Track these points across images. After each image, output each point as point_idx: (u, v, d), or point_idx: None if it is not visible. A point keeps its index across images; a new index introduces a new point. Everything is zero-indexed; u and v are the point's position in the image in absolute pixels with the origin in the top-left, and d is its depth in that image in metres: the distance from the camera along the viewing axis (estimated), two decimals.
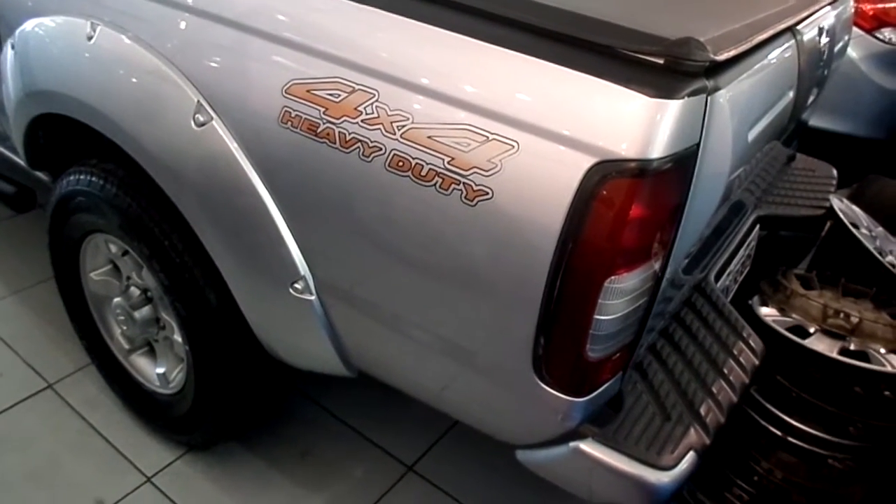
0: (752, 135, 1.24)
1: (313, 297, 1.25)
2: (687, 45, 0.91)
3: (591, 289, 0.95)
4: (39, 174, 1.86)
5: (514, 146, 0.94)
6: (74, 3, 1.45)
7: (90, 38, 1.38)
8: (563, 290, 0.96)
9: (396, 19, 1.06)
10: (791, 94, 1.45)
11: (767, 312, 1.66)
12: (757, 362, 1.32)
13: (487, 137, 0.96)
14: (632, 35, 0.95)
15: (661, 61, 0.91)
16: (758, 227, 1.77)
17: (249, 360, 1.53)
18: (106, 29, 1.36)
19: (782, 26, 1.29)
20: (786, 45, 1.36)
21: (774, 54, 1.29)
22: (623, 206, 0.91)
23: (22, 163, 1.87)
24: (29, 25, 1.54)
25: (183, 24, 1.26)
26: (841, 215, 1.98)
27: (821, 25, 1.57)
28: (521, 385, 1.06)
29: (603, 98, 0.91)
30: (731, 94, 1.05)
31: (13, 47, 1.60)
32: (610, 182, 0.89)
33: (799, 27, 1.43)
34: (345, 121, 1.06)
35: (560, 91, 0.94)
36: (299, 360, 1.44)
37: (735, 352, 1.32)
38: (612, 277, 0.95)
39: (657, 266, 1.01)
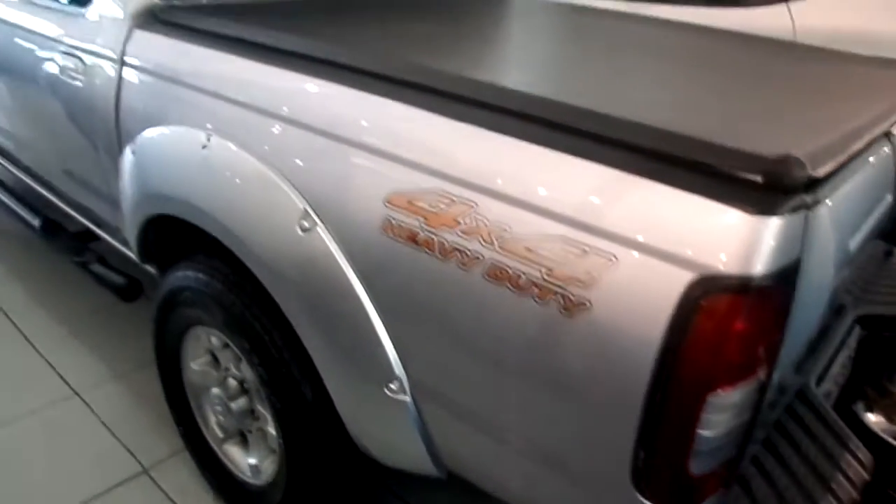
0: (853, 243, 1.22)
1: (408, 398, 1.28)
2: (786, 162, 0.92)
3: (694, 404, 0.94)
4: (148, 267, 1.98)
5: (612, 260, 0.96)
6: (191, 115, 1.58)
7: (204, 146, 1.50)
8: (663, 404, 0.95)
9: (495, 136, 1.11)
10: (890, 197, 1.43)
11: (875, 420, 1.58)
12: (867, 477, 1.25)
13: (585, 251, 0.98)
14: (730, 153, 0.96)
15: (760, 179, 0.92)
16: (858, 327, 1.70)
17: (341, 455, 1.56)
18: (219, 139, 1.47)
19: (879, 132, 1.28)
20: (883, 149, 1.35)
21: (872, 161, 1.28)
22: (725, 321, 0.90)
23: (132, 255, 2.01)
24: (148, 133, 1.69)
25: (291, 136, 1.35)
26: None
27: None
28: (620, 498, 1.04)
29: (702, 214, 0.92)
30: (831, 207, 1.05)
31: (133, 152, 1.74)
32: (711, 297, 0.90)
33: (895, 130, 1.41)
34: (444, 231, 1.11)
35: (659, 207, 0.96)
36: (390, 457, 1.46)
37: (842, 465, 1.26)
38: (715, 392, 0.94)
39: (761, 379, 0.99)
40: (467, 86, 1.21)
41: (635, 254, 0.95)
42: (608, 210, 0.98)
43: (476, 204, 1.08)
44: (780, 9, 2.60)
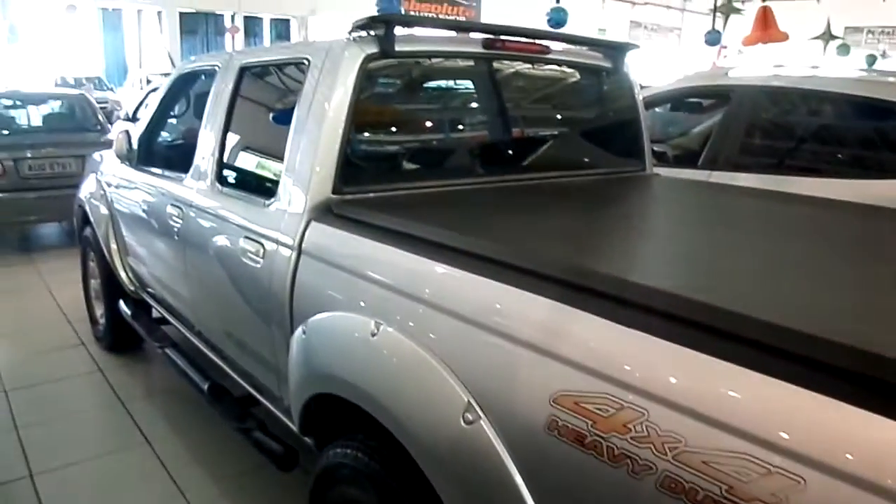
0: None
1: None
2: None
3: None
4: (307, 439, 2.08)
5: (800, 482, 0.92)
6: (362, 303, 1.71)
7: (374, 334, 1.60)
8: None
9: (663, 343, 1.13)
10: None
11: None
12: None
13: (769, 470, 0.95)
14: None
15: None
16: None
17: None
18: (388, 328, 1.58)
19: None
20: None
21: None
22: None
23: (292, 425, 2.11)
24: (321, 316, 1.83)
25: (457, 330, 1.42)
26: None
27: None
28: None
29: (889, 436, 0.88)
30: None
31: (305, 332, 1.89)
32: None
33: None
34: (613, 436, 1.11)
35: (846, 427, 0.93)
36: None
37: None
38: None
39: None
40: (635, 291, 1.25)
41: (825, 477, 0.91)
42: (795, 428, 0.96)
43: (647, 411, 1.08)
44: None
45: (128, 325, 3.68)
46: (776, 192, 2.48)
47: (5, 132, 6.78)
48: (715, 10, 17.23)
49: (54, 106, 7.59)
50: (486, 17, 23.28)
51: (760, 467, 0.95)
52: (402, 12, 17.32)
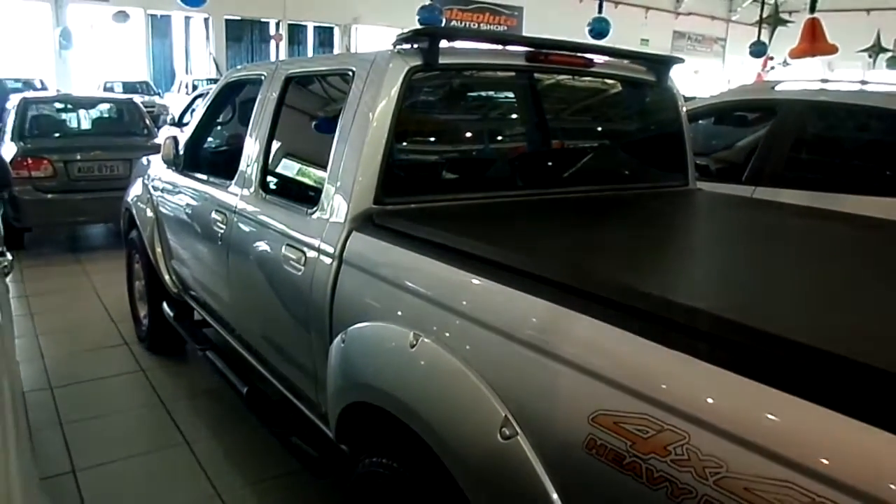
0: None
1: None
2: None
3: None
4: (343, 446, 2.09)
5: None
6: (401, 314, 1.72)
7: (412, 345, 1.61)
8: None
9: (708, 367, 1.11)
10: None
11: None
12: None
13: (813, 499, 0.93)
14: None
15: None
16: None
17: None
18: (427, 340, 1.58)
19: None
20: None
21: None
22: None
23: (327, 431, 2.13)
24: (360, 325, 1.84)
25: (496, 344, 1.43)
26: None
27: None
28: None
29: None
30: None
31: (344, 341, 1.90)
32: None
33: None
34: (652, 458, 1.10)
35: (893, 460, 0.91)
36: None
37: None
38: None
39: None
40: (679, 311, 1.24)
41: None
42: (838, 457, 0.94)
43: (689, 435, 1.07)
44: None
45: (170, 327, 3.75)
46: (825, 211, 2.43)
47: (56, 135, 7.00)
48: (761, 21, 16.99)
49: (103, 110, 7.81)
50: (528, 27, 23.29)
51: (804, 496, 0.94)
52: (444, 22, 17.43)
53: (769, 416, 1.03)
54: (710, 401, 1.09)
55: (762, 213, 2.51)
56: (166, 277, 3.73)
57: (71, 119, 7.53)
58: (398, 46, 2.19)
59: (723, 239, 2.14)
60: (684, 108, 2.88)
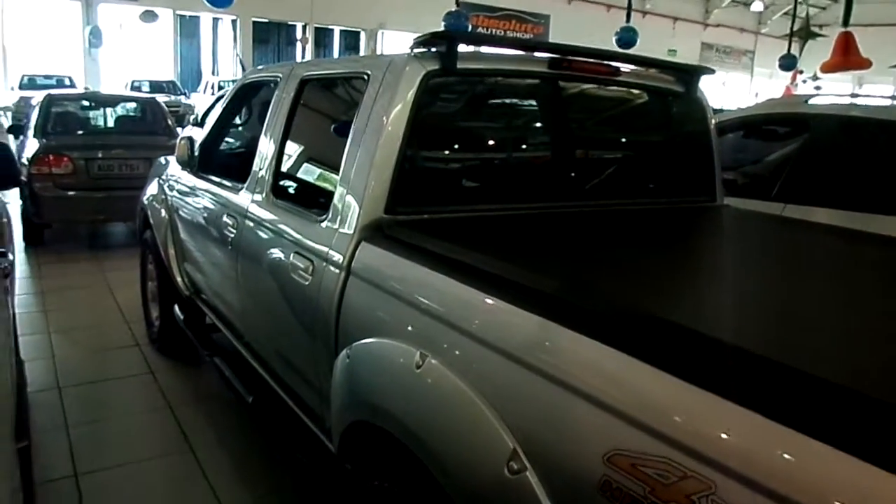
0: None
1: None
2: None
3: None
4: (346, 465, 2.00)
5: None
6: (408, 331, 1.63)
7: (418, 366, 1.52)
8: None
9: (738, 409, 1.01)
10: None
11: None
12: None
13: None
14: None
15: None
16: None
17: None
18: (434, 361, 1.49)
19: None
20: None
21: None
22: None
23: (331, 446, 2.04)
24: (366, 341, 1.75)
25: (509, 373, 1.32)
26: None
27: None
28: None
29: None
30: None
31: (349, 356, 1.82)
32: None
33: None
34: None
35: None
36: None
37: None
38: None
39: None
40: (709, 347, 1.13)
41: None
42: None
43: (715, 484, 0.97)
44: None
45: (181, 330, 3.70)
46: (860, 232, 2.30)
47: (79, 132, 7.01)
48: (791, 34, 16.73)
49: (126, 108, 7.82)
50: (555, 35, 23.16)
51: None
52: (470, 28, 17.38)
53: (809, 471, 0.92)
54: (739, 447, 0.98)
55: (797, 233, 2.38)
56: (178, 279, 3.67)
57: (93, 117, 7.55)
58: (415, 50, 2.10)
59: (754, 261, 2.02)
60: (713, 122, 2.76)
